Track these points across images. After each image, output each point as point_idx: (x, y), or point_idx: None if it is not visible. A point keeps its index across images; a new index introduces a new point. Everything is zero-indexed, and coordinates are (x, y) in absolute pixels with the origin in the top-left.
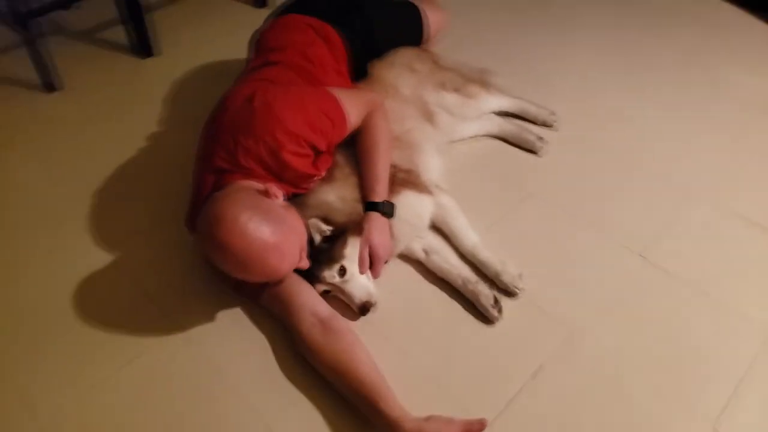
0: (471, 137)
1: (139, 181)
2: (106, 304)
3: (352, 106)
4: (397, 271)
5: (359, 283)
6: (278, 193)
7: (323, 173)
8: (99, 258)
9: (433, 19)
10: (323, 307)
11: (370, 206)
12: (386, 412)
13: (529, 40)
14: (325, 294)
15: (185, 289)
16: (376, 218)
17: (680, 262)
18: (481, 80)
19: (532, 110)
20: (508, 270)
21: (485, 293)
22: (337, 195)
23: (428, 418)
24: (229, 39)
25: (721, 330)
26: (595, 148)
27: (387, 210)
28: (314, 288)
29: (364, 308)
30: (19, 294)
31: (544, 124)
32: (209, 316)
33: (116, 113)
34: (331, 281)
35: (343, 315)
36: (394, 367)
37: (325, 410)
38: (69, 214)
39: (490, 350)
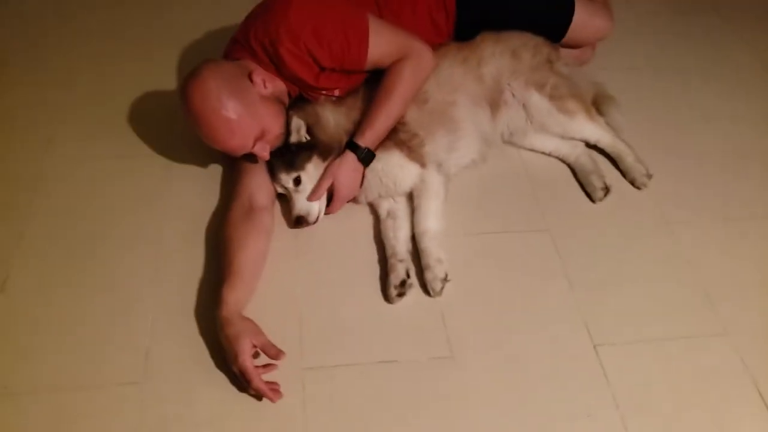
0: (542, 152)
1: None
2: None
3: (384, 41)
4: (356, 214)
5: (306, 199)
6: (267, 83)
7: (335, 93)
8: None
9: (587, 22)
10: (261, 197)
11: (350, 146)
12: (224, 292)
13: (693, 102)
14: (280, 196)
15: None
16: (349, 158)
17: (630, 381)
18: (595, 103)
19: (628, 161)
20: (435, 269)
21: (397, 273)
22: (334, 117)
23: (244, 318)
24: None
25: None
26: (653, 233)
27: (363, 157)
28: (273, 184)
29: (298, 221)
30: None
31: (632, 182)
32: (190, 159)
33: None
34: (285, 185)
35: (286, 217)
36: (278, 278)
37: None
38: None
39: (366, 321)
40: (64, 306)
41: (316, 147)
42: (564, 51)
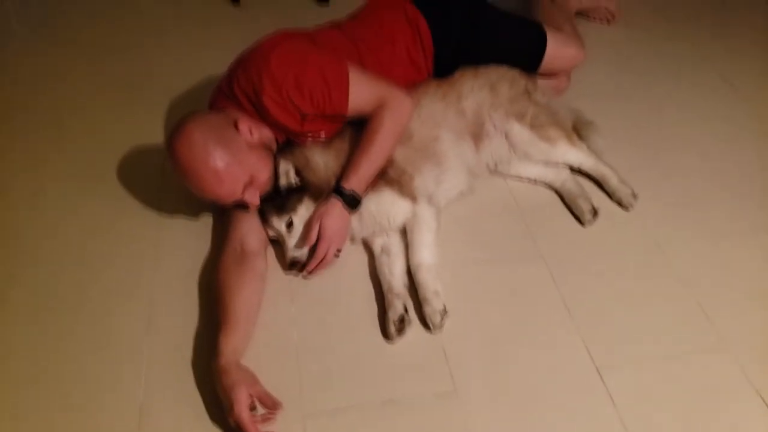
0: (529, 180)
1: None
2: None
3: (364, 90)
4: (351, 253)
5: (295, 243)
6: (252, 130)
7: (321, 136)
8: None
9: (559, 52)
10: (253, 242)
11: (337, 190)
12: (220, 341)
13: (669, 125)
14: (273, 241)
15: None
16: (335, 203)
17: (635, 401)
18: (575, 129)
19: (613, 182)
20: (433, 302)
21: (395, 308)
22: (323, 159)
23: (241, 368)
24: None
25: None
26: (644, 253)
27: (349, 201)
28: (264, 229)
29: (293, 263)
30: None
31: (619, 203)
32: (181, 210)
33: None
34: (277, 228)
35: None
36: (274, 323)
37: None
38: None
39: (366, 361)
40: (55, 364)
41: (307, 189)
42: (541, 81)
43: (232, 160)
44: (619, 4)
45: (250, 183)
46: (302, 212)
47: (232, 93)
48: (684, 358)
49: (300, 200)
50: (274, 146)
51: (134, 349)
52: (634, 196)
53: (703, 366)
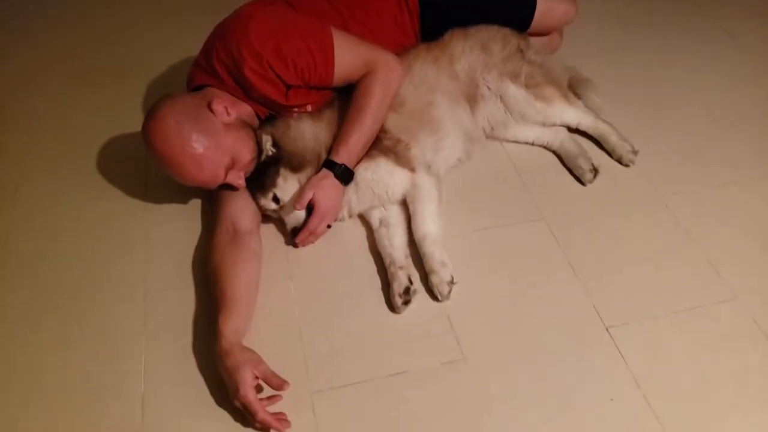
0: (526, 143)
1: None
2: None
3: (350, 56)
4: (348, 227)
5: (293, 212)
6: (229, 109)
7: (308, 109)
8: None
9: (550, 8)
10: (245, 222)
11: (328, 164)
12: (220, 324)
13: (665, 76)
14: (266, 216)
15: None
16: (327, 176)
17: (647, 358)
18: (571, 87)
19: (612, 140)
20: (440, 272)
21: (400, 281)
22: (313, 131)
23: (244, 348)
24: None
25: None
26: (648, 209)
27: (340, 174)
28: (258, 207)
29: (293, 232)
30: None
31: (619, 160)
32: (168, 196)
33: None
34: (267, 208)
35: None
36: (274, 302)
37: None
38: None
39: (372, 333)
40: (51, 361)
41: (282, 158)
42: (533, 40)
43: (210, 142)
44: None
45: (231, 165)
46: (282, 184)
47: (211, 67)
48: (694, 312)
49: (277, 172)
50: (256, 122)
51: (132, 341)
52: (635, 152)
53: (713, 318)
